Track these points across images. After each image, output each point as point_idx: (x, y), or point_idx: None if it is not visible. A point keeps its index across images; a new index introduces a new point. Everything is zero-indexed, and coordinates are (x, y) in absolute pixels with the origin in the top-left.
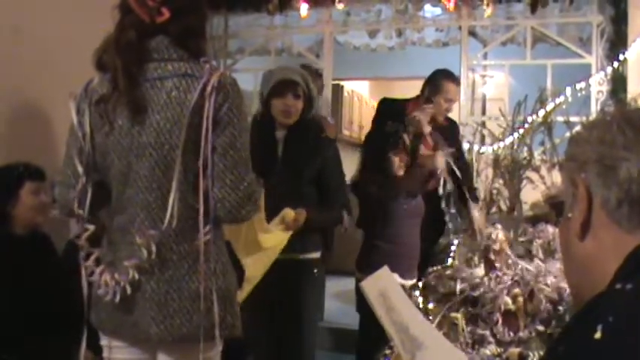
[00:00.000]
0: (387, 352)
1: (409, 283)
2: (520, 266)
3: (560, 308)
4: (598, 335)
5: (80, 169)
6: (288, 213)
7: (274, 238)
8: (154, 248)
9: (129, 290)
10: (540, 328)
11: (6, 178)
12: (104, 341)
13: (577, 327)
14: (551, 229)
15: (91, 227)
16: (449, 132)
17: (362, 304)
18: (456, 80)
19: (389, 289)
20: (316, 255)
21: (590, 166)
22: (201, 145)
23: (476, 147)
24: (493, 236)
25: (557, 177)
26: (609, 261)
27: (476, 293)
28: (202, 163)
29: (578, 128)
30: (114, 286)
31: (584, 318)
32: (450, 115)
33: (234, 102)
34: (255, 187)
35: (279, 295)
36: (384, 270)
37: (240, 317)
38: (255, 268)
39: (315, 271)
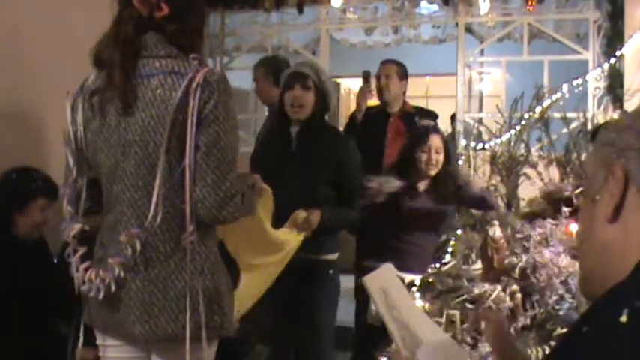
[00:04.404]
0: (388, 349)
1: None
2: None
3: (559, 305)
4: (624, 319)
5: (72, 165)
6: (299, 214)
7: (285, 235)
8: (138, 246)
9: (113, 288)
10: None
11: (22, 185)
12: (99, 340)
13: (602, 309)
14: (548, 225)
15: (78, 226)
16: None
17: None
18: None
19: (391, 285)
20: (332, 256)
21: (632, 153)
22: (187, 143)
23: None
24: (490, 233)
25: (554, 173)
26: (633, 248)
27: (473, 290)
28: (187, 162)
29: (616, 116)
30: (98, 283)
31: (609, 301)
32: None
33: (220, 99)
34: (238, 188)
35: (292, 297)
36: (387, 266)
37: (259, 317)
38: (258, 281)
39: (330, 272)
